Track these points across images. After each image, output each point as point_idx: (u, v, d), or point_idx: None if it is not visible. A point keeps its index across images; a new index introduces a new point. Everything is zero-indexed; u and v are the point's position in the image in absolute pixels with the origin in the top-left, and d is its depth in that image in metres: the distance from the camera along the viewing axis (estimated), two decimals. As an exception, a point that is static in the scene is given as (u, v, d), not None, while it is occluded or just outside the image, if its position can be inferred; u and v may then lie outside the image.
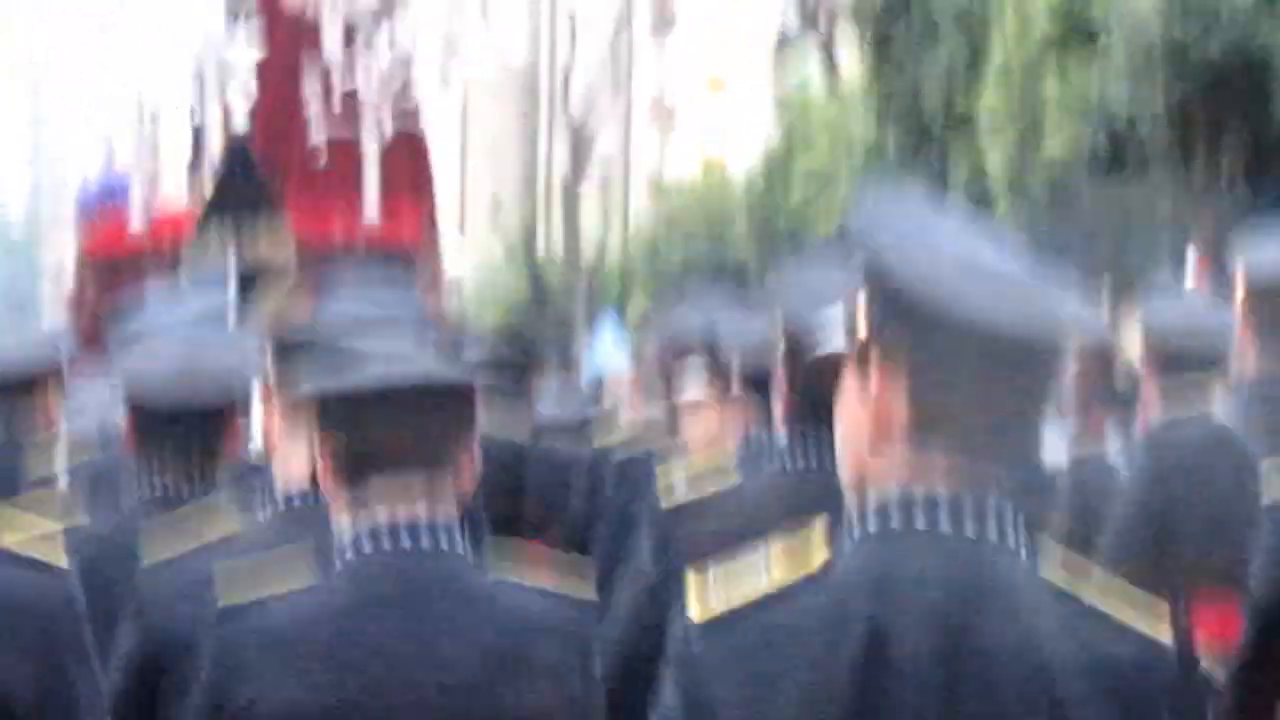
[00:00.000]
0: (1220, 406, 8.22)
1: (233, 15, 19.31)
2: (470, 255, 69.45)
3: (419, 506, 4.55)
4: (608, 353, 46.48)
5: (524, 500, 11.26)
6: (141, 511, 6.42)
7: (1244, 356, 8.46)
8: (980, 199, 25.66)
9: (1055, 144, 22.57)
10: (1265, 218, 23.77)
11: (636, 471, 9.11)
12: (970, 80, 25.71)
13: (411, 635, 4.52)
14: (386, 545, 4.54)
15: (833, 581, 3.39)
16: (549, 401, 14.57)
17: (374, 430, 4.61)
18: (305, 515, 5.18)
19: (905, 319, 3.34)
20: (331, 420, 4.68)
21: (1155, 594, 7.16)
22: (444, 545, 4.60)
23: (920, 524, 3.36)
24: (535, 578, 4.87)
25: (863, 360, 3.44)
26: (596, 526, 9.97)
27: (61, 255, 70.38)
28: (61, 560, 4.17)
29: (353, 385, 4.68)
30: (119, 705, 5.25)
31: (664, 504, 6.53)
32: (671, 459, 8.40)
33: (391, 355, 4.86)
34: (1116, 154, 21.97)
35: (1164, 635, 3.57)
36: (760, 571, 3.52)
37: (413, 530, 4.55)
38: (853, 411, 3.47)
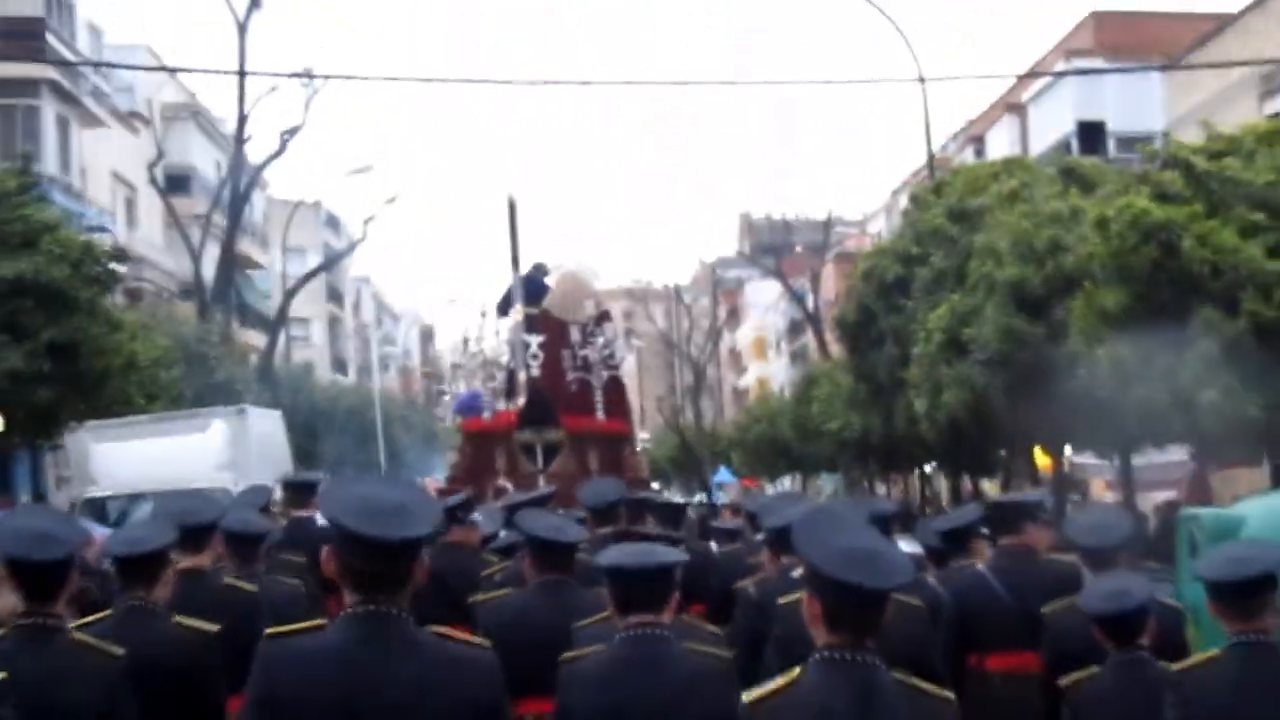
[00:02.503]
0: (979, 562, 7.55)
1: (529, 322, 19.81)
2: (646, 430, 69.52)
3: (654, 616, 4.55)
4: (722, 481, 47.24)
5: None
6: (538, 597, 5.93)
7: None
8: (912, 424, 25.18)
9: (949, 398, 22.11)
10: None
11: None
12: (903, 362, 24.98)
13: (660, 683, 4.45)
14: (639, 635, 4.52)
15: (802, 684, 3.60)
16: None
17: (633, 588, 4.59)
18: None
19: (813, 576, 3.64)
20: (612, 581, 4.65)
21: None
22: (667, 635, 4.56)
23: (833, 655, 3.57)
24: (700, 647, 4.83)
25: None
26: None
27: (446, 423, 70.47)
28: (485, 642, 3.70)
29: (632, 565, 4.61)
30: None
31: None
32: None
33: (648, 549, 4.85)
34: (979, 404, 21.81)
35: (950, 694, 3.78)
36: (775, 678, 3.71)
37: (651, 628, 4.54)
38: (804, 603, 3.72)
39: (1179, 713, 4.69)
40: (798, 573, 4.21)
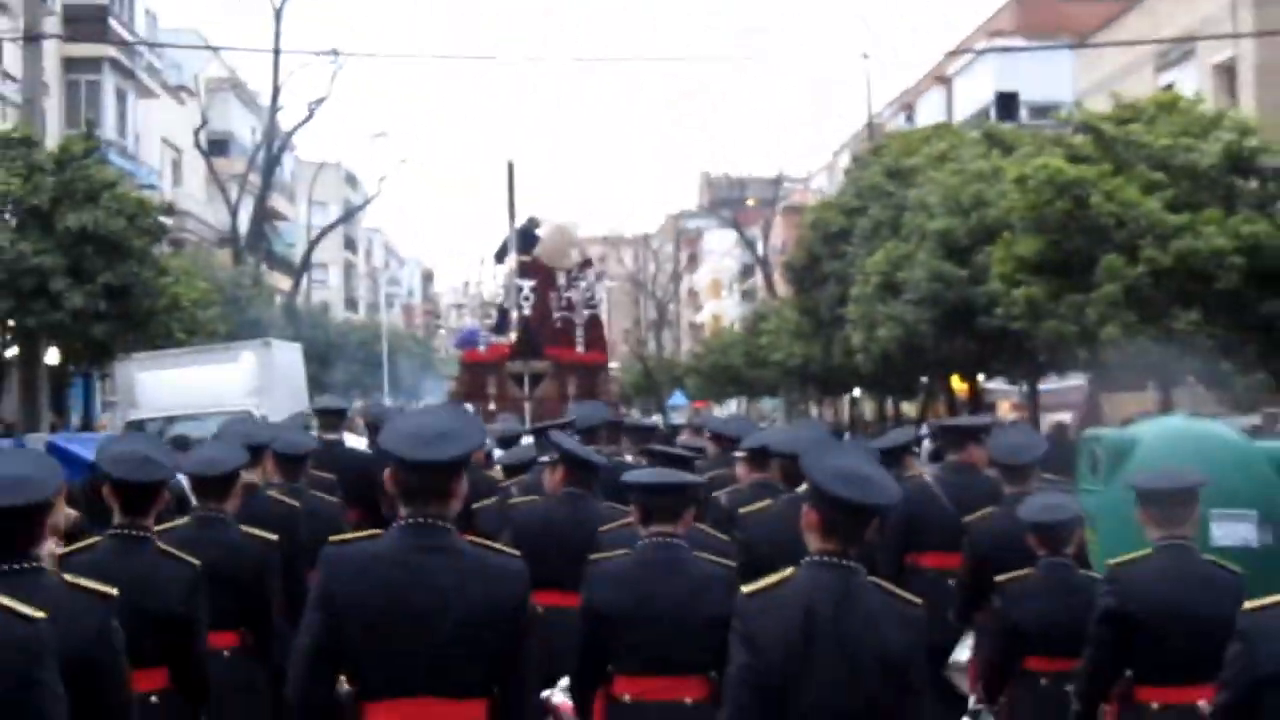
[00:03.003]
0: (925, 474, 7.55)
1: (522, 268, 19.68)
2: (615, 359, 69.30)
3: (671, 527, 4.53)
4: (677, 403, 47.22)
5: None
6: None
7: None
8: (848, 354, 25.17)
9: (883, 333, 21.93)
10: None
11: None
12: (843, 301, 24.75)
13: (674, 585, 4.45)
14: (658, 543, 4.52)
15: (793, 582, 3.53)
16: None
17: (654, 502, 4.56)
18: None
19: (815, 491, 3.54)
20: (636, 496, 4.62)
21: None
22: (682, 543, 4.55)
23: (824, 560, 3.51)
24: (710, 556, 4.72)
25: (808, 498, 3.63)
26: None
27: (441, 353, 69.96)
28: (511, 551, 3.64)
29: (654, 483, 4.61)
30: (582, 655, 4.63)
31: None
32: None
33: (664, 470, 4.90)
34: (910, 337, 21.83)
35: (917, 600, 3.62)
36: (772, 575, 3.63)
37: (669, 538, 4.53)
38: (803, 513, 3.61)
39: (1115, 600, 4.76)
40: (803, 488, 4.13)
